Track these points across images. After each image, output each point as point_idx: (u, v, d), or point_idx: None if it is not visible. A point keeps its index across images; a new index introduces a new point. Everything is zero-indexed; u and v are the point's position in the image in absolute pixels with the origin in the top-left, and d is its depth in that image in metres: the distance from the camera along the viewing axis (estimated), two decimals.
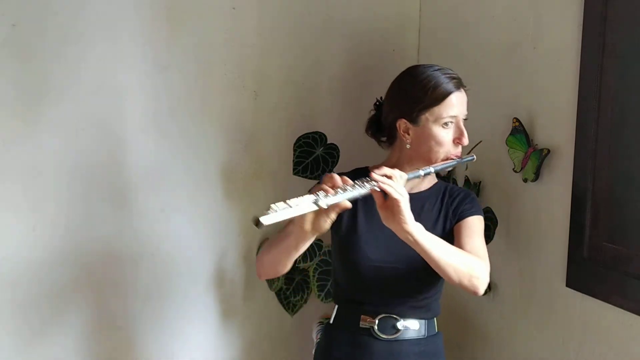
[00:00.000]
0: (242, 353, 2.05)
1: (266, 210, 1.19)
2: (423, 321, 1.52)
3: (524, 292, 1.73)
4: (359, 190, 1.27)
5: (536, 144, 1.64)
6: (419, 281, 1.47)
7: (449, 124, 1.46)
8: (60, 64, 1.72)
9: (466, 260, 1.37)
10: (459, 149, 1.49)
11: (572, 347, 1.57)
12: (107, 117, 1.79)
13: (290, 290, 1.97)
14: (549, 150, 1.60)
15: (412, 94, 1.47)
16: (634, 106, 1.39)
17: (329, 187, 1.26)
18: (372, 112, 1.63)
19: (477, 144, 1.82)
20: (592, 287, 1.50)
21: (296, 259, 1.46)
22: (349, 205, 1.27)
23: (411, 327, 1.50)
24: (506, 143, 1.71)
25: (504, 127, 1.73)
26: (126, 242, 1.86)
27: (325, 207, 1.23)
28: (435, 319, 1.57)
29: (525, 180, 1.67)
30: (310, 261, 1.92)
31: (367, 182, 1.29)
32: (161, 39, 1.82)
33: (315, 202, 1.22)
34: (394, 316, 1.49)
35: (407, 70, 1.54)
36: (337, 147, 1.96)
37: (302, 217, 1.29)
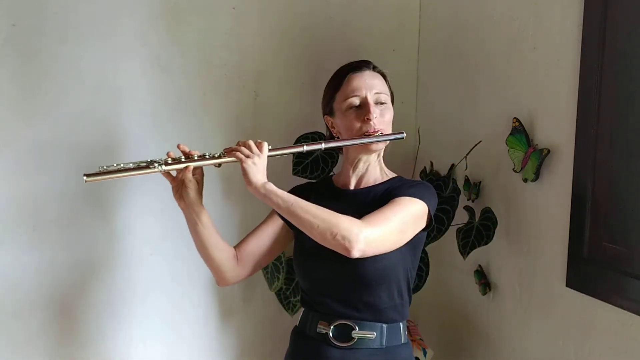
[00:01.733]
0: (242, 353, 2.05)
1: (99, 167, 1.31)
2: (382, 327, 1.46)
3: (524, 292, 1.73)
4: (209, 160, 1.40)
5: (536, 144, 1.64)
6: (355, 272, 1.41)
7: (356, 105, 1.48)
8: (60, 63, 1.72)
9: (327, 218, 1.33)
10: (373, 125, 1.45)
11: (572, 347, 1.57)
12: (106, 117, 1.79)
13: (290, 290, 1.97)
14: (549, 150, 1.60)
15: (325, 90, 1.57)
16: (634, 106, 1.39)
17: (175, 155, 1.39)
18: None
19: (477, 144, 1.83)
20: (592, 287, 1.50)
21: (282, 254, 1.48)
22: (190, 168, 1.39)
23: (367, 336, 1.45)
24: (506, 143, 1.71)
25: (504, 127, 1.73)
26: (126, 242, 1.86)
27: (162, 171, 1.36)
28: (401, 325, 1.50)
29: (525, 180, 1.67)
30: None
31: (220, 152, 1.41)
32: (161, 39, 1.82)
33: (148, 165, 1.34)
34: (349, 324, 1.45)
35: None
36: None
37: (174, 196, 1.43)
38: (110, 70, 1.77)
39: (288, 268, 1.93)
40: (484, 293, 1.86)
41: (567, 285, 1.56)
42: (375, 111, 1.46)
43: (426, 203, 1.45)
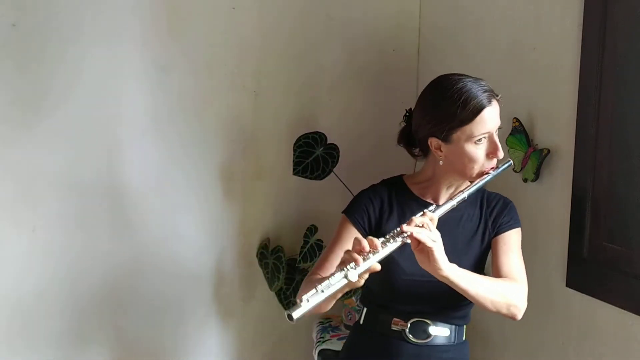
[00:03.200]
0: (242, 353, 2.05)
1: (299, 301, 1.15)
2: (454, 327, 1.50)
3: None
4: (390, 247, 1.24)
5: (536, 144, 1.64)
6: (453, 294, 1.40)
7: (482, 139, 1.40)
8: (60, 64, 1.72)
9: (503, 291, 1.37)
10: (494, 162, 1.42)
11: (571, 347, 1.57)
12: (107, 117, 1.79)
13: (290, 290, 1.97)
14: (549, 150, 1.60)
15: (442, 111, 1.40)
16: (634, 106, 1.39)
17: (357, 254, 1.22)
18: (402, 124, 1.56)
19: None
20: (592, 287, 1.50)
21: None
22: (378, 267, 1.24)
23: (442, 333, 1.48)
24: (506, 143, 1.71)
25: (504, 127, 1.73)
26: (126, 243, 1.86)
27: (356, 280, 1.21)
28: (465, 326, 1.54)
29: (525, 180, 1.67)
30: (311, 261, 1.92)
31: (399, 235, 1.26)
32: (161, 40, 1.82)
33: (346, 277, 1.20)
34: (426, 321, 1.47)
35: (436, 81, 1.47)
36: (337, 147, 1.96)
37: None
38: (110, 70, 1.77)
39: (288, 268, 1.93)
40: None
41: (567, 285, 1.56)
42: (500, 147, 1.41)
43: (520, 226, 1.52)
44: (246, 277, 2.00)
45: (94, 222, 1.81)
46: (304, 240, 1.92)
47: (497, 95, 1.41)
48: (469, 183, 1.48)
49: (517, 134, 1.68)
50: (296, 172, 1.93)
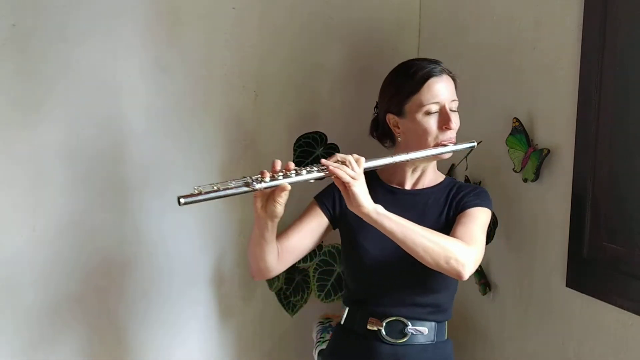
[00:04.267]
0: (242, 353, 2.05)
1: (194, 190, 1.22)
2: (433, 325, 1.48)
3: (524, 292, 1.73)
4: (306, 176, 1.29)
5: (536, 144, 1.64)
6: (424, 276, 1.42)
7: (433, 111, 1.44)
8: (61, 64, 1.72)
9: (440, 241, 1.32)
10: (449, 135, 1.45)
11: (572, 347, 1.57)
12: (107, 117, 1.79)
13: (290, 290, 1.97)
14: (549, 150, 1.60)
15: (394, 85, 1.49)
16: (634, 106, 1.39)
17: (271, 171, 1.29)
18: (374, 115, 1.63)
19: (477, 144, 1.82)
20: (592, 287, 1.50)
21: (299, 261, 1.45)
22: (287, 188, 1.28)
23: (419, 332, 1.47)
24: (506, 143, 1.71)
25: (504, 127, 1.73)
26: (126, 242, 1.86)
27: (259, 190, 1.26)
28: (446, 323, 1.53)
29: (525, 180, 1.67)
30: (310, 261, 1.92)
31: (319, 168, 1.30)
32: (161, 40, 1.82)
33: (247, 184, 1.25)
34: (403, 320, 1.46)
35: (396, 66, 1.54)
36: (337, 147, 1.96)
37: (255, 204, 1.32)
38: (110, 70, 1.77)
39: (288, 268, 1.92)
40: (484, 293, 1.86)
41: (567, 285, 1.56)
42: (454, 120, 1.45)
43: (491, 210, 1.50)
44: (246, 277, 2.00)
45: (93, 221, 1.81)
46: None
47: (451, 73, 1.48)
48: (435, 166, 1.54)
49: (517, 134, 1.68)
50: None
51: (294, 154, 1.93)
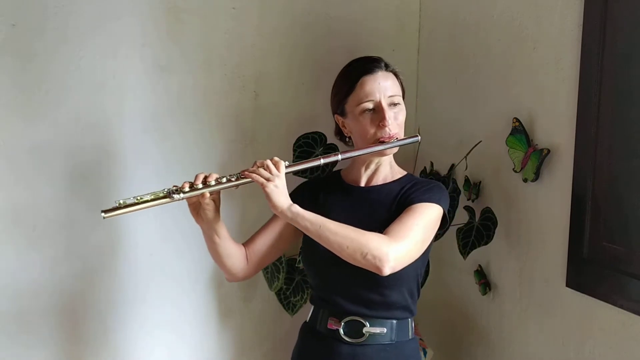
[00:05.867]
0: (242, 353, 2.05)
1: (115, 202, 1.31)
2: (392, 324, 1.47)
3: (524, 292, 1.73)
4: (226, 184, 1.38)
5: (536, 144, 1.64)
6: (372, 272, 1.38)
7: (369, 108, 1.45)
8: (60, 63, 1.72)
9: (356, 237, 1.33)
10: (388, 131, 1.44)
11: (572, 347, 1.57)
12: (107, 117, 1.79)
13: (290, 290, 1.97)
14: (549, 150, 1.60)
15: (336, 86, 1.54)
16: (634, 106, 1.39)
17: (193, 182, 1.37)
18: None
19: (477, 144, 1.82)
20: (592, 287, 1.50)
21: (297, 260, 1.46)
22: (207, 196, 1.37)
23: (378, 332, 1.45)
24: (506, 143, 1.71)
25: (504, 127, 1.73)
26: (126, 242, 1.86)
27: (178, 200, 1.35)
28: (410, 321, 1.51)
29: (525, 180, 1.67)
30: None
31: (237, 174, 1.39)
32: (161, 39, 1.82)
33: (168, 195, 1.35)
34: (360, 320, 1.46)
35: None
36: (337, 147, 1.95)
37: (191, 213, 1.42)
38: (110, 70, 1.77)
39: (288, 268, 1.93)
40: (484, 293, 1.86)
41: (567, 285, 1.56)
42: (390, 116, 1.44)
43: (442, 206, 1.46)
44: None
45: (93, 221, 1.81)
46: None
47: (389, 67, 1.49)
48: (391, 162, 1.55)
49: (517, 134, 1.68)
50: (296, 173, 1.93)
51: (294, 154, 1.93)
